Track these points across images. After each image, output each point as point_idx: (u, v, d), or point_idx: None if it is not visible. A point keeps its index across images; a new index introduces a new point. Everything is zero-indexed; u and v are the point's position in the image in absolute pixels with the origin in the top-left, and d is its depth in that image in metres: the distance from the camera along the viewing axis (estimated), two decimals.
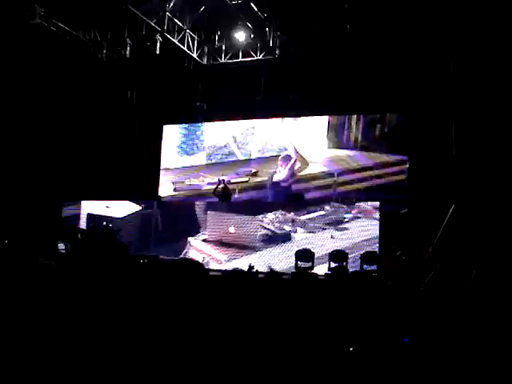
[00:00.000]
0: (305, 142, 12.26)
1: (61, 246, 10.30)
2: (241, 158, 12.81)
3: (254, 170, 12.59)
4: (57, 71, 11.29)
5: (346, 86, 10.87)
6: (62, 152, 11.85)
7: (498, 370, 1.78)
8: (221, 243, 10.69)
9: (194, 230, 11.03)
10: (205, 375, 1.77)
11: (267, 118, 12.21)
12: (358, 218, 10.09)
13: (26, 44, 10.47)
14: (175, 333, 1.82)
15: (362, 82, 10.69)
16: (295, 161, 12.12)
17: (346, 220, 10.14)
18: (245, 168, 12.71)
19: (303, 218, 10.48)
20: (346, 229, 10.12)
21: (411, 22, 9.78)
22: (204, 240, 10.98)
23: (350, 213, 10.21)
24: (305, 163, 12.17)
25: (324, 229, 10.25)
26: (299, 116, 11.98)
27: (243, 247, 10.74)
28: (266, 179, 12.41)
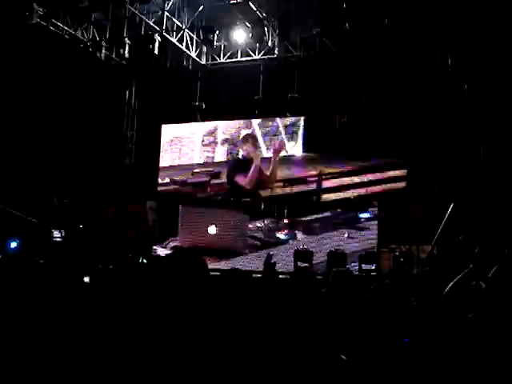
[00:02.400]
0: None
1: (56, 233, 10.21)
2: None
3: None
4: (55, 71, 11.26)
5: (347, 85, 10.80)
6: (59, 151, 11.82)
7: (499, 370, 1.78)
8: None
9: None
10: (203, 376, 1.76)
11: (266, 117, 12.14)
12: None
13: (23, 44, 10.45)
14: (172, 330, 1.81)
15: (363, 81, 10.62)
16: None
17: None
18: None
19: (305, 219, 9.42)
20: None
21: (411, 19, 9.73)
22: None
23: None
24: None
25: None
26: (299, 116, 11.82)
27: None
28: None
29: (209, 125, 12.15)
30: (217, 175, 11.41)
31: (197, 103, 12.76)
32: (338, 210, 9.51)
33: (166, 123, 13.00)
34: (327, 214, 9.55)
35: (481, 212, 8.59)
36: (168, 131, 12.83)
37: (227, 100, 11.67)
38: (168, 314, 1.81)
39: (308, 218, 9.59)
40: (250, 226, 9.76)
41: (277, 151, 10.69)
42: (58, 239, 10.11)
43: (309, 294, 3.77)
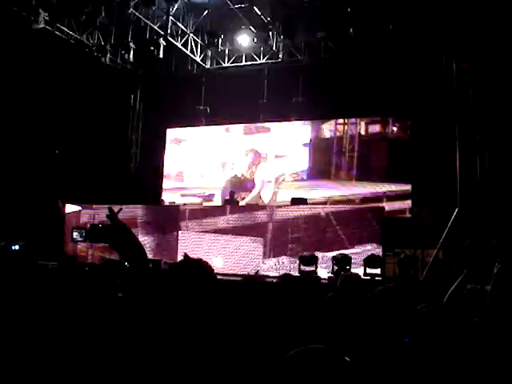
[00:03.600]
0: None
1: (76, 234, 10.19)
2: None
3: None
4: (60, 75, 11.32)
5: (351, 89, 10.81)
6: (65, 155, 11.87)
7: (499, 371, 1.76)
8: None
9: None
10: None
11: (270, 121, 12.16)
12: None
13: (29, 49, 10.51)
14: (178, 338, 1.80)
15: (367, 86, 10.62)
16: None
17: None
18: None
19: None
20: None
21: (418, 25, 9.72)
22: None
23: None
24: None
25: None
26: (302, 120, 11.82)
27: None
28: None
29: (212, 131, 12.20)
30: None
31: (201, 107, 12.80)
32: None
33: (170, 127, 13.06)
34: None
35: (484, 217, 8.56)
36: (172, 136, 12.90)
37: (232, 104, 11.71)
38: (173, 322, 1.80)
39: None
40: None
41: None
42: (79, 239, 10.09)
43: (314, 298, 3.76)
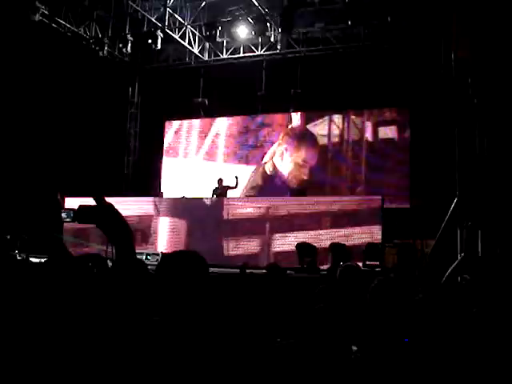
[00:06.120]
0: None
1: (64, 215, 10.11)
2: None
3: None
4: (57, 68, 11.28)
5: (348, 82, 10.78)
6: (63, 148, 11.85)
7: (499, 370, 1.78)
8: None
9: None
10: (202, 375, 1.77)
11: (268, 113, 12.14)
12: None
13: (26, 41, 10.46)
14: (171, 330, 1.82)
15: (364, 78, 10.60)
16: None
17: None
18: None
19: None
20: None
21: (414, 15, 9.68)
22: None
23: None
24: None
25: None
26: (299, 111, 11.81)
27: None
28: None
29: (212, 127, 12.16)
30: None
31: (200, 99, 12.76)
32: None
33: (169, 120, 13.04)
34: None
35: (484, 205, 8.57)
36: (171, 129, 12.88)
37: (230, 96, 11.70)
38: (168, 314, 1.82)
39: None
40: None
41: None
42: (67, 220, 10.03)
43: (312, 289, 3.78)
